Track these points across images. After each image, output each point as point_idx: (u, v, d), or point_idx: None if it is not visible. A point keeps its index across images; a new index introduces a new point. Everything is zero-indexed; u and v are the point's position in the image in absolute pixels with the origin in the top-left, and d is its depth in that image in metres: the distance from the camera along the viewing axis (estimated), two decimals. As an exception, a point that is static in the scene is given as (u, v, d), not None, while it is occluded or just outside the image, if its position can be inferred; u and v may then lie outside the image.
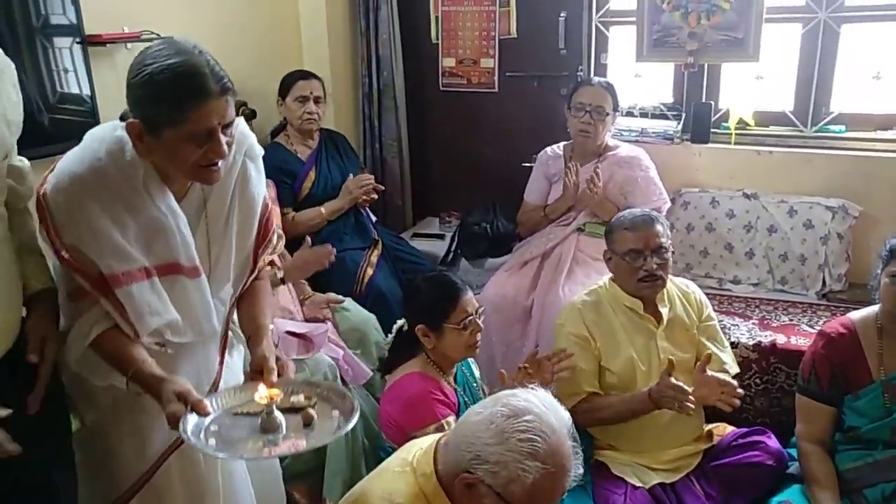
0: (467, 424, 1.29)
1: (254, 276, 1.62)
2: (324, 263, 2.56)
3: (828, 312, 2.78)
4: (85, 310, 1.41)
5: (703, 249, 3.14)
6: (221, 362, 1.62)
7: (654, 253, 2.15)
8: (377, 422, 2.24)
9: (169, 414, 1.29)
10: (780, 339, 2.59)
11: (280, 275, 2.45)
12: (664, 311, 2.22)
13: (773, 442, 2.18)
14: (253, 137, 1.56)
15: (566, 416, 1.30)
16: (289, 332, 2.33)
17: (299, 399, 1.38)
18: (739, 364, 2.40)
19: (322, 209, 2.87)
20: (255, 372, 1.44)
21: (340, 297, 2.64)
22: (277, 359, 1.47)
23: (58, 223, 1.34)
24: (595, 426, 2.17)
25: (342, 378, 2.35)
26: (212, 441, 1.29)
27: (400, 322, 2.15)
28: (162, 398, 1.31)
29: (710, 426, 2.30)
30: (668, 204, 2.95)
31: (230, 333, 1.65)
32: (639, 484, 2.10)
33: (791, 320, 2.76)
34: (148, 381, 1.35)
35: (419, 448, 1.40)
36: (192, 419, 1.29)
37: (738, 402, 1.99)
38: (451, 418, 1.96)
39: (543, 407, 1.27)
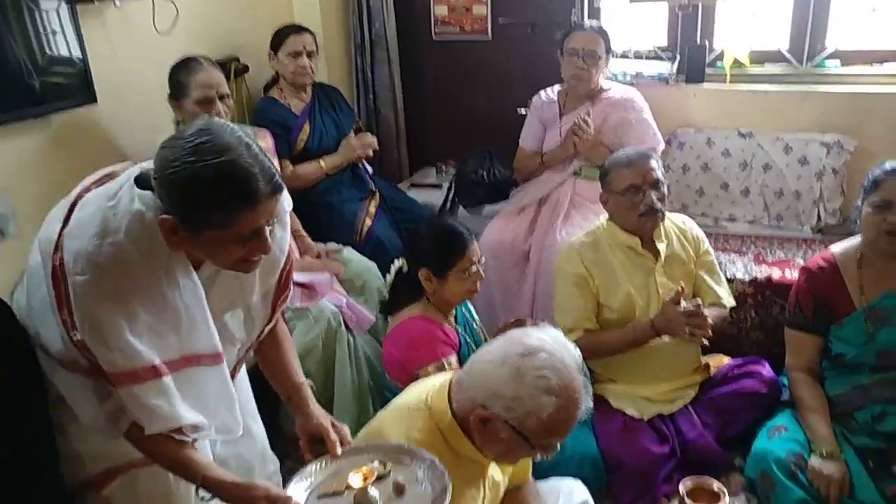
0: (481, 364, 1.34)
1: (272, 324, 1.54)
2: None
3: (822, 246, 2.74)
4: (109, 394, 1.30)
5: (698, 189, 3.16)
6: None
7: (652, 187, 2.19)
8: (381, 364, 2.30)
9: None
10: (776, 274, 2.62)
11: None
12: (661, 247, 2.26)
13: (767, 370, 2.25)
14: (283, 193, 1.32)
15: (577, 352, 1.36)
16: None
17: (375, 466, 1.30)
18: (736, 299, 2.45)
19: (322, 163, 2.88)
20: (311, 440, 1.40)
21: (339, 245, 2.67)
22: (333, 424, 1.41)
23: (73, 306, 1.22)
24: (594, 360, 2.23)
25: (346, 324, 2.39)
26: None
27: (399, 262, 2.18)
28: None
29: (707, 358, 2.35)
30: (663, 145, 2.96)
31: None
32: (637, 415, 2.17)
33: (786, 255, 2.80)
34: (223, 487, 1.29)
35: (432, 386, 1.45)
36: None
37: (708, 333, 2.02)
38: (452, 357, 2.02)
39: (556, 344, 1.33)
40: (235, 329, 1.48)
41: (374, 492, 1.25)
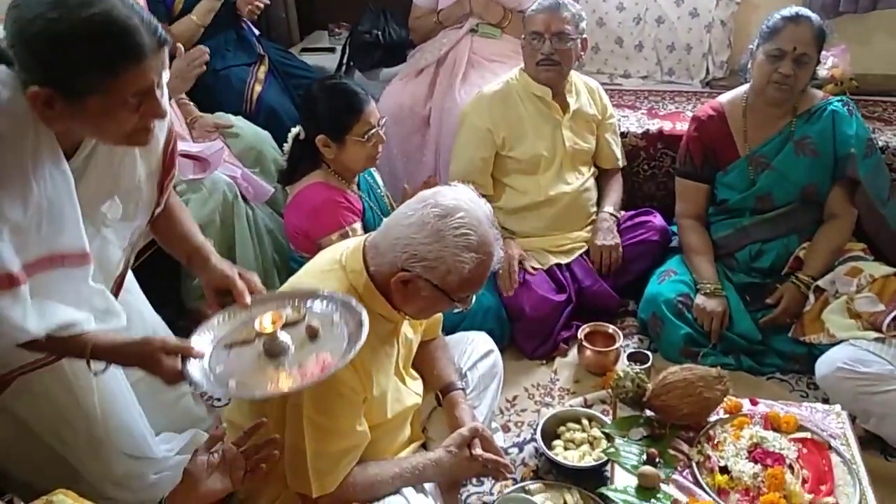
0: (398, 227, 1.34)
1: (161, 207, 1.41)
2: (202, 64, 2.37)
3: (710, 98, 2.87)
4: None
5: (594, 46, 3.16)
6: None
7: (554, 37, 2.20)
8: (284, 236, 2.26)
9: (167, 372, 1.16)
10: (667, 126, 2.71)
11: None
12: (571, 101, 2.33)
13: (658, 220, 2.39)
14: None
15: (488, 207, 1.39)
16: (182, 155, 2.24)
17: (288, 312, 1.24)
18: (629, 152, 2.60)
19: (192, 16, 2.59)
20: (219, 293, 1.31)
21: (228, 121, 2.52)
22: (240, 274, 1.32)
23: None
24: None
25: (243, 196, 2.32)
26: (232, 383, 1.14)
27: (296, 130, 2.09)
28: (145, 362, 1.17)
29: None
30: (559, -1, 2.90)
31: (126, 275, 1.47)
32: (537, 266, 2.28)
33: (677, 108, 2.89)
34: (115, 350, 1.19)
35: (346, 247, 1.45)
36: (194, 367, 1.15)
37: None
38: (357, 224, 2.00)
39: (470, 203, 1.35)
40: (117, 223, 1.32)
41: (284, 336, 1.19)
